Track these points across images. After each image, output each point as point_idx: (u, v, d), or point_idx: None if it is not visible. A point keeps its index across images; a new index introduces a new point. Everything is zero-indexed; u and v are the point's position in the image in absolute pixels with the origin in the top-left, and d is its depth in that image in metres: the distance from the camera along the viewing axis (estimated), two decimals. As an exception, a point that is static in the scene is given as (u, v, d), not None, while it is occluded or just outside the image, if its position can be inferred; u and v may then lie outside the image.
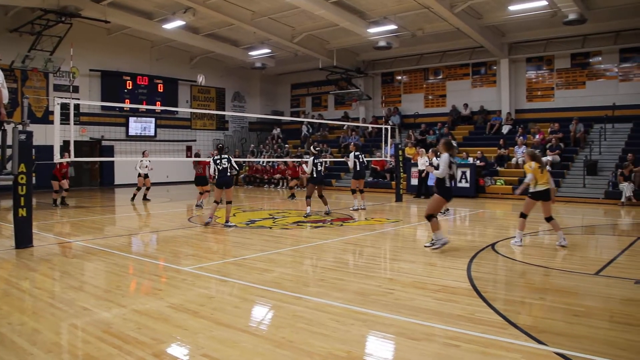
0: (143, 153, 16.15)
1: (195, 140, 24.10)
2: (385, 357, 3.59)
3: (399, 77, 23.70)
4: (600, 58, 18.35)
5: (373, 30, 18.18)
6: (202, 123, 25.24)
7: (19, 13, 17.56)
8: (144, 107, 21.09)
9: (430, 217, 7.09)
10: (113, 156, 20.89)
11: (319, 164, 11.20)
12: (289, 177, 19.81)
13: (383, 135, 17.51)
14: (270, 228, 9.72)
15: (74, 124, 10.29)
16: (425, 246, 7.29)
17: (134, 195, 14.93)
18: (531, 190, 7.47)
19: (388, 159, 18.34)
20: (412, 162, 17.41)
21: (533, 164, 7.38)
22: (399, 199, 15.13)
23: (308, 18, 18.33)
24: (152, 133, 22.61)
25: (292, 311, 4.43)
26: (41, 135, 15.91)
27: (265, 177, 22.27)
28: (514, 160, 16.81)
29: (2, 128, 6.57)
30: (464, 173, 16.04)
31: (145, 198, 15.23)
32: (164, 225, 10.48)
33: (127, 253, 7.32)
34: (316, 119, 25.79)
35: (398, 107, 23.31)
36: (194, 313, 4.35)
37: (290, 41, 20.24)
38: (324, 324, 4.08)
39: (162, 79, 22.98)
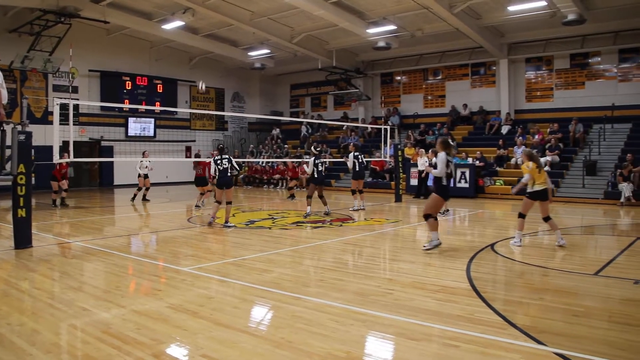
0: (143, 153, 16.15)
1: (194, 141, 24.11)
2: (384, 357, 3.59)
3: (398, 78, 23.70)
4: (599, 58, 18.36)
5: (372, 30, 18.19)
6: (202, 123, 25.24)
7: (18, 13, 17.55)
8: (143, 107, 21.07)
9: (427, 216, 7.09)
10: (112, 157, 20.88)
11: (320, 164, 11.20)
12: (289, 178, 19.81)
13: (382, 136, 17.52)
14: (270, 228, 9.72)
15: (73, 124, 10.27)
16: (424, 247, 7.28)
17: (135, 195, 14.96)
18: (529, 190, 7.48)
19: (387, 159, 18.33)
20: (412, 162, 17.42)
21: (530, 164, 7.39)
22: (398, 199, 15.13)
23: (307, 18, 18.33)
24: (151, 133, 22.61)
25: (292, 311, 4.43)
26: (40, 135, 15.95)
27: (265, 177, 22.28)
28: (513, 161, 16.81)
29: (2, 128, 6.55)
30: (463, 173, 16.05)
31: (144, 198, 15.23)
32: (163, 225, 10.48)
33: (126, 253, 7.32)
34: (315, 119, 25.79)
35: (397, 107, 23.31)
36: (194, 313, 4.35)
37: (289, 41, 20.24)
38: (323, 324, 4.07)
39: (161, 79, 22.97)
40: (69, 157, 10.63)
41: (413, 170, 16.72)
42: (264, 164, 22.56)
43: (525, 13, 16.37)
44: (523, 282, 5.59)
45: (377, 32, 18.35)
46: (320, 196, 11.38)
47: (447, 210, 11.71)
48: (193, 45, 21.52)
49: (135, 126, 22.14)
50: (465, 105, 21.12)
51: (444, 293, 4.97)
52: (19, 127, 7.14)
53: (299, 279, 5.69)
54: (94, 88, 20.91)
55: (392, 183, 17.48)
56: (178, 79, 23.82)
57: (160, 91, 22.95)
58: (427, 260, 6.58)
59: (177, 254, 7.23)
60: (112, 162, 21.13)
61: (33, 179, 8.45)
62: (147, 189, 15.27)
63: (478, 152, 17.16)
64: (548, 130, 17.65)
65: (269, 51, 22.27)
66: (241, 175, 22.82)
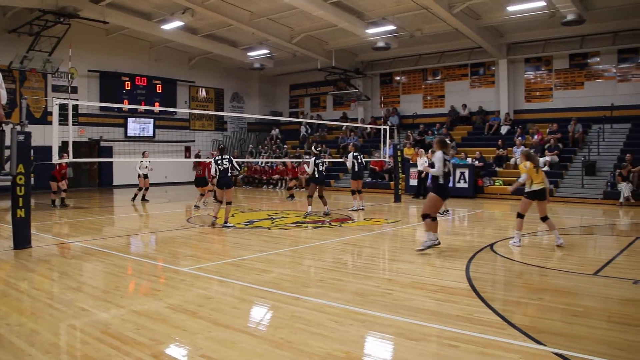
0: (143, 154, 16.16)
1: (193, 141, 24.11)
2: (384, 357, 3.59)
3: (398, 78, 23.70)
4: (598, 58, 18.37)
5: (371, 30, 18.19)
6: (201, 124, 25.23)
7: (17, 14, 17.54)
8: (142, 107, 21.08)
9: (426, 216, 7.08)
10: (112, 157, 20.88)
11: (320, 164, 11.21)
12: (288, 178, 19.80)
13: (382, 136, 17.53)
14: (269, 229, 9.71)
15: (73, 124, 10.26)
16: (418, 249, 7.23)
17: (135, 195, 14.99)
18: (527, 190, 7.48)
19: (387, 159, 18.34)
20: (411, 162, 17.42)
21: (528, 163, 7.39)
22: (397, 199, 15.13)
23: (306, 19, 18.33)
24: (150, 134, 22.60)
25: (291, 312, 4.43)
26: (40, 136, 15.93)
27: (264, 177, 22.27)
28: (512, 161, 16.81)
29: (1, 129, 6.57)
30: (462, 173, 16.06)
31: (143, 199, 15.23)
32: (162, 225, 10.48)
33: (125, 254, 7.32)
34: (315, 119, 25.79)
35: (397, 107, 23.32)
36: (193, 314, 4.35)
37: (288, 42, 20.24)
38: (322, 324, 4.08)
39: (160, 79, 22.97)
40: (68, 158, 10.61)
41: (412, 170, 16.73)
42: (263, 164, 22.55)
43: (525, 13, 16.38)
44: (522, 282, 5.60)
45: (377, 32, 18.35)
46: (321, 196, 11.39)
47: (447, 211, 11.70)
48: (192, 45, 21.52)
49: (135, 126, 22.14)
50: (464, 106, 21.12)
51: (443, 293, 4.97)
52: (18, 128, 7.13)
53: (298, 279, 5.69)
54: (93, 88, 20.90)
55: (392, 183, 17.48)
56: (177, 79, 23.82)
57: (160, 91, 22.95)
58: (427, 261, 6.58)
59: (177, 254, 7.23)
60: (111, 163, 21.12)
61: (32, 179, 8.44)
62: (146, 189, 15.27)
63: (477, 152, 17.16)
64: (547, 130, 17.66)
65: (268, 51, 22.26)
66: (240, 176, 22.82)
